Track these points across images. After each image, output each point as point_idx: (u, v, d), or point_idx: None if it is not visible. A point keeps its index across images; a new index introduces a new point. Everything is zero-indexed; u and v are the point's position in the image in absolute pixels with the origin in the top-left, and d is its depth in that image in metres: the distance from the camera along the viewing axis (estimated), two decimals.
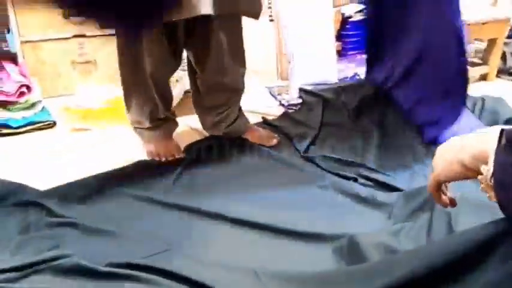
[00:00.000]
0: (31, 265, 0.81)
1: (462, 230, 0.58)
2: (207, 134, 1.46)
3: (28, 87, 1.66)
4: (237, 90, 1.37)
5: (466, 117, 1.42)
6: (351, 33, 2.30)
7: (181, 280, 0.75)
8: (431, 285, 0.49)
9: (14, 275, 0.79)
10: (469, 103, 1.62)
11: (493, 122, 1.46)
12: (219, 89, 1.32)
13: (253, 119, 1.64)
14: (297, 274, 0.73)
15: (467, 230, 0.52)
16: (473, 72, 2.07)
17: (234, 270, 0.77)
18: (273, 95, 1.91)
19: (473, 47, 2.36)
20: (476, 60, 2.22)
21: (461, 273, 0.48)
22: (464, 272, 0.48)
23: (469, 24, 1.75)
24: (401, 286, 0.51)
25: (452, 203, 0.60)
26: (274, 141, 1.43)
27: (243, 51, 1.33)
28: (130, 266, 0.79)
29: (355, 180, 1.15)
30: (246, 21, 1.29)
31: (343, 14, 2.27)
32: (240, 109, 1.43)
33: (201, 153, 1.33)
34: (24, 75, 1.72)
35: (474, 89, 1.88)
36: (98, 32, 1.90)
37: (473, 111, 1.55)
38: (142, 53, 1.17)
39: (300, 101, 1.77)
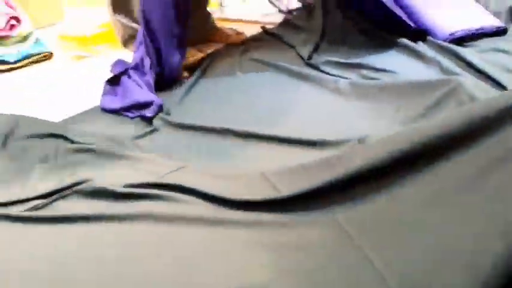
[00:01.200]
0: (55, 192, 0.85)
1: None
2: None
3: (17, 19, 1.60)
4: None
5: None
6: None
7: (196, 194, 0.78)
8: (447, 149, 0.48)
9: (40, 202, 0.83)
10: None
11: None
12: None
13: (252, 29, 1.59)
14: (301, 166, 0.75)
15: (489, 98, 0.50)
16: None
17: (242, 177, 0.80)
18: (271, 2, 1.82)
19: None
20: None
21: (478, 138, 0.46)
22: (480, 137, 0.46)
23: None
24: (419, 152, 0.50)
25: None
26: (243, 37, 1.55)
27: None
28: (147, 186, 0.82)
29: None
30: None
31: None
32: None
33: (201, 71, 1.31)
34: (11, 7, 1.65)
35: None
36: None
37: None
38: None
39: (299, 4, 1.69)
